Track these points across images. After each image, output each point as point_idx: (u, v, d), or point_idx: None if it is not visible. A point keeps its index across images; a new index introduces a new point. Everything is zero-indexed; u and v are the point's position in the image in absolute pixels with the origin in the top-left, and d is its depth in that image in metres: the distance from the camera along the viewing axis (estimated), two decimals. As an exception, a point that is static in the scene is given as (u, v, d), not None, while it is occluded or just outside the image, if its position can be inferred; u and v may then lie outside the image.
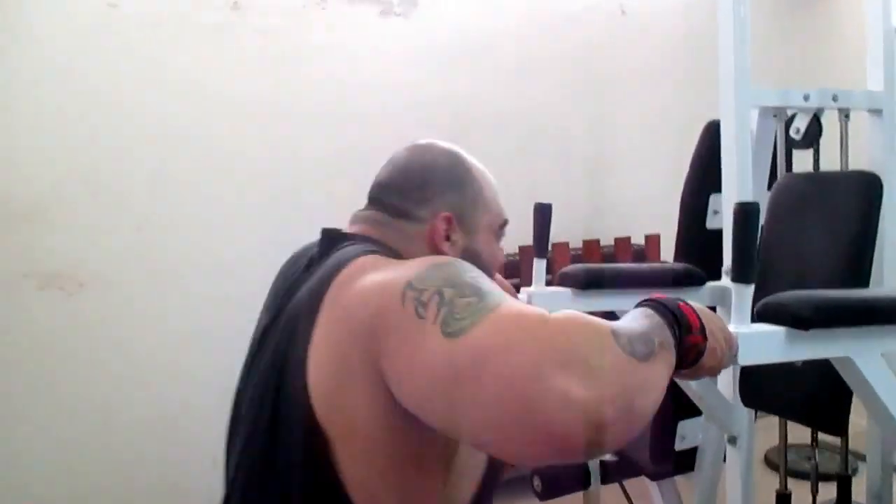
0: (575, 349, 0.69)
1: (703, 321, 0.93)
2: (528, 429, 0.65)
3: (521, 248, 3.02)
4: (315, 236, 1.14)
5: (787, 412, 1.65)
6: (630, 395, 0.70)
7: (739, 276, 1.12)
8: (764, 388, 1.60)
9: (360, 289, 0.87)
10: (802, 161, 2.01)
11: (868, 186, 1.45)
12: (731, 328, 1.08)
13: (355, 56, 2.94)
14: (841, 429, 1.48)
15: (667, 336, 0.84)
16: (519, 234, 3.04)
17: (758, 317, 1.16)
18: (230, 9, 2.69)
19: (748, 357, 1.10)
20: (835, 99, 1.86)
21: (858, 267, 1.42)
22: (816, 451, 1.94)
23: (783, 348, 1.15)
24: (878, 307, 1.18)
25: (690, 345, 0.90)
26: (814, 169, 1.93)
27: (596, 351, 0.70)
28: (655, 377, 0.77)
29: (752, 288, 1.13)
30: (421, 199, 1.10)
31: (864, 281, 1.43)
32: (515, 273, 2.99)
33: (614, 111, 3.49)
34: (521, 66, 3.26)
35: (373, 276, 0.88)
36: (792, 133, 1.88)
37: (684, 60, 3.60)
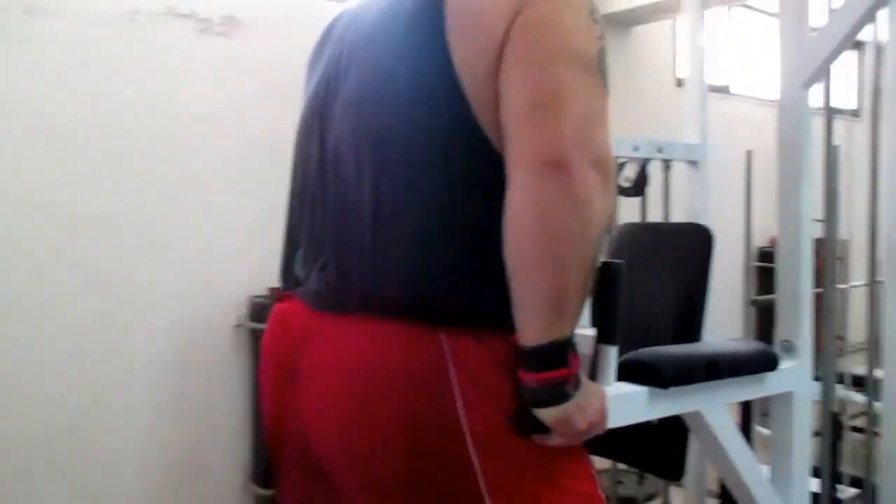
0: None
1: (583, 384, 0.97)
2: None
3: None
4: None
5: (626, 458, 1.69)
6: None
7: (604, 338, 1.10)
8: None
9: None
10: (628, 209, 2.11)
11: (702, 239, 1.52)
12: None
13: (169, 76, 2.70)
14: (678, 475, 1.52)
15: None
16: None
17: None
18: (23, 13, 2.36)
19: (614, 419, 1.08)
20: (660, 150, 1.96)
21: (696, 320, 1.48)
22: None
23: (646, 407, 1.16)
24: (724, 361, 1.22)
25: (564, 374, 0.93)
26: (641, 218, 2.02)
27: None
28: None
29: (616, 349, 1.12)
30: None
31: (699, 333, 1.49)
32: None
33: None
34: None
35: None
36: (622, 181, 1.96)
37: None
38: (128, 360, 2.60)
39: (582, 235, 0.89)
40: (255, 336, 2.91)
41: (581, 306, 0.94)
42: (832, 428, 1.69)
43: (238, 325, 2.88)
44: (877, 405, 1.83)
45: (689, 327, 1.50)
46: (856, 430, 1.82)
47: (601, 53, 0.96)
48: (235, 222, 2.85)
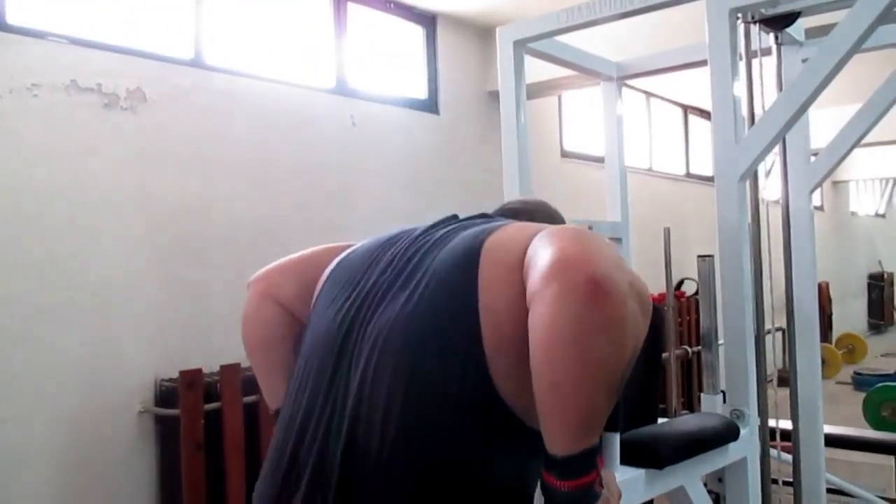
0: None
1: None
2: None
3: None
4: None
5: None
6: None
7: (609, 426, 1.17)
8: None
9: (517, 238, 1.02)
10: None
11: (653, 320, 1.63)
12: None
13: (73, 152, 2.56)
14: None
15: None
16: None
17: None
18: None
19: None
20: (590, 228, 2.10)
21: (652, 399, 1.58)
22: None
23: (644, 489, 1.23)
24: (705, 438, 1.32)
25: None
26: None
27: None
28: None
29: (618, 436, 1.19)
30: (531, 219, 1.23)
31: (656, 412, 1.58)
32: (254, 389, 2.77)
33: (346, 220, 3.51)
34: (256, 171, 3.13)
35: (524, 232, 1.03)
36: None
37: (407, 169, 3.79)
38: (20, 451, 2.38)
39: (615, 356, 0.89)
40: (163, 423, 2.75)
41: (607, 418, 0.96)
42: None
43: (143, 412, 2.72)
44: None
45: (646, 407, 1.59)
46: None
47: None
48: (141, 302, 2.71)
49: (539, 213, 1.33)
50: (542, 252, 0.94)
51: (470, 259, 1.02)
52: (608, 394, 0.92)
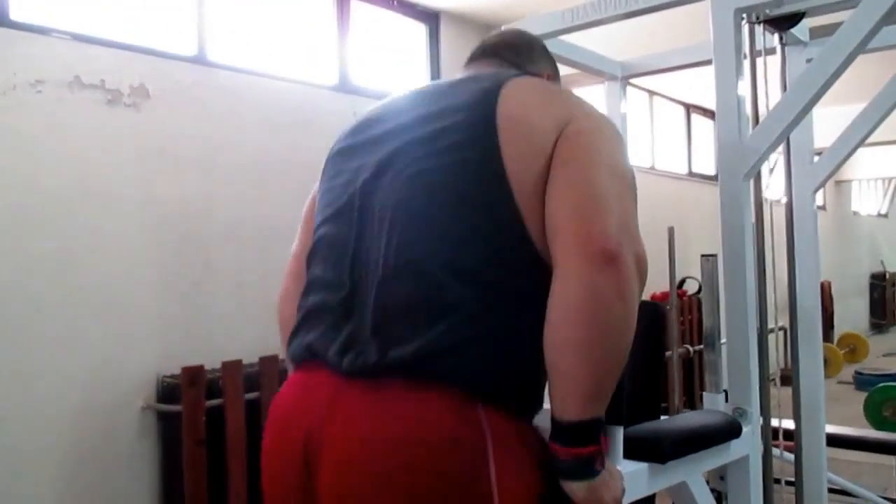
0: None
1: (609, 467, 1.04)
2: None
3: (262, 359, 2.83)
4: None
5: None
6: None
7: (612, 419, 1.17)
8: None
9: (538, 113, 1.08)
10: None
11: (654, 317, 1.64)
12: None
13: (77, 149, 2.57)
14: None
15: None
16: (258, 344, 2.90)
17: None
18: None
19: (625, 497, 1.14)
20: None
21: (655, 396, 1.58)
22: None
23: (647, 483, 1.23)
24: (708, 434, 1.33)
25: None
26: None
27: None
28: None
29: (621, 429, 1.19)
30: (529, 58, 1.30)
31: (658, 409, 1.58)
32: (255, 386, 2.78)
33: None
34: (258, 169, 3.13)
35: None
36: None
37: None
38: (23, 448, 2.38)
39: (625, 325, 0.98)
40: (165, 420, 2.76)
41: (614, 388, 1.01)
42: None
43: (145, 408, 2.72)
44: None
45: (649, 404, 1.59)
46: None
47: (632, 170, 1.07)
48: (143, 298, 2.72)
49: (523, 49, 1.32)
50: (562, 195, 1.01)
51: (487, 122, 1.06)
52: (616, 361, 0.99)
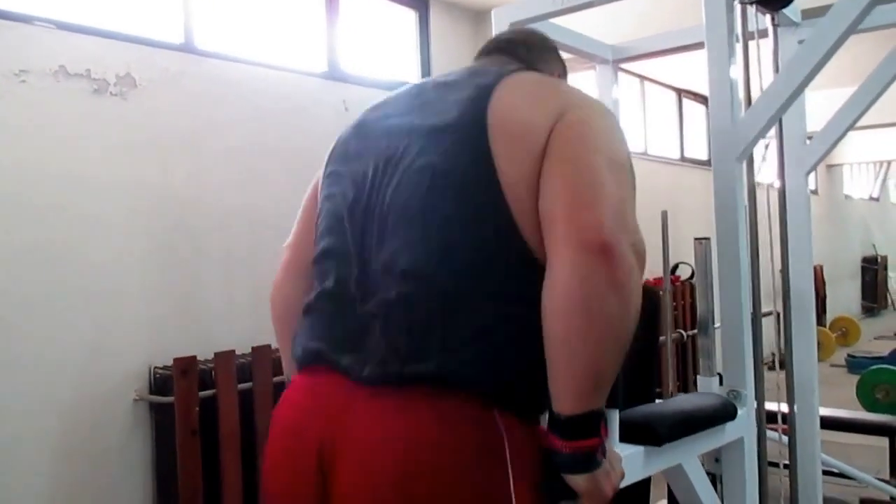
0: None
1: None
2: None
3: (255, 349, 2.81)
4: None
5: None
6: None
7: (607, 402, 1.16)
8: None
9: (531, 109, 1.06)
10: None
11: (648, 302, 1.63)
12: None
13: (63, 139, 2.54)
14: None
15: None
16: (250, 334, 2.89)
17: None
18: None
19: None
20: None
21: (649, 381, 1.58)
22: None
23: (643, 465, 1.23)
24: (703, 416, 1.32)
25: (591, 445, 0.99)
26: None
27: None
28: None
29: (617, 412, 1.18)
30: (541, 57, 1.28)
31: (653, 393, 1.59)
32: (248, 376, 2.77)
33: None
34: (247, 157, 3.10)
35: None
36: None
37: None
38: (14, 441, 2.37)
39: (621, 315, 0.96)
40: (158, 411, 2.74)
41: (613, 380, 1.00)
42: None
43: (138, 400, 2.70)
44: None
45: (643, 386, 1.59)
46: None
47: (629, 156, 1.06)
48: (133, 289, 2.69)
49: (536, 46, 1.31)
50: (555, 186, 1.00)
51: (479, 124, 1.05)
52: (614, 352, 0.97)
